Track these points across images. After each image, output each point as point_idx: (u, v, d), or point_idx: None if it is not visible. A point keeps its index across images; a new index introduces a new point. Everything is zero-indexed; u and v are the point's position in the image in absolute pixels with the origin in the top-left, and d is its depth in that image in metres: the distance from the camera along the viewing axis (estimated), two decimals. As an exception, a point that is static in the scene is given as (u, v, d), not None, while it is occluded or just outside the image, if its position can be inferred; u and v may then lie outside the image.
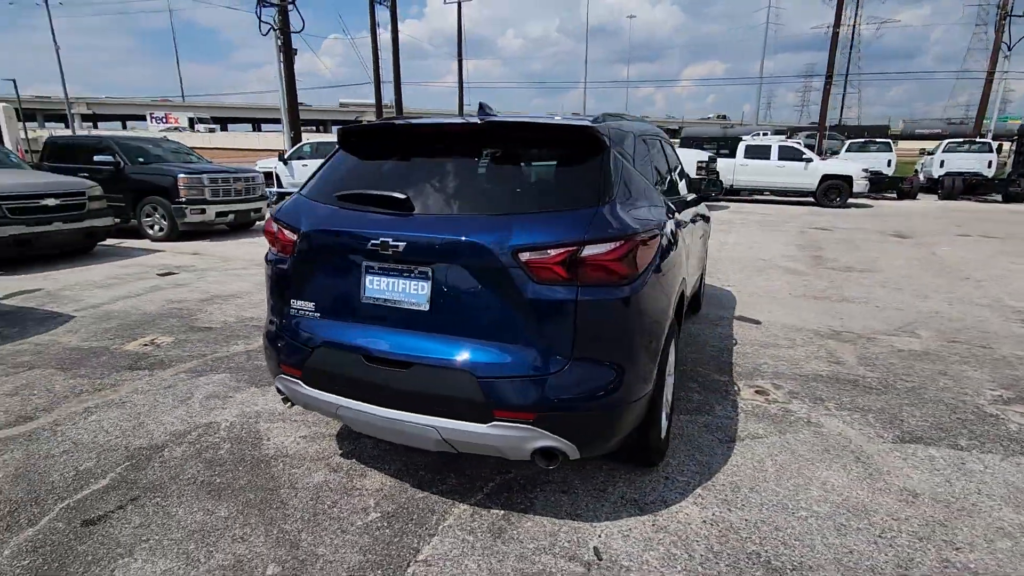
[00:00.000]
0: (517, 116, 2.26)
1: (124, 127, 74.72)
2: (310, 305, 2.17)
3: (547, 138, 2.18)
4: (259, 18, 19.76)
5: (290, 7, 20.56)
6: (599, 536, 2.09)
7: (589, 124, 2.10)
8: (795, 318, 4.89)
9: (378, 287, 2.01)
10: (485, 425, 1.87)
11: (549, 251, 1.81)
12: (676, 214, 2.76)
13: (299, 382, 2.19)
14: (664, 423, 2.51)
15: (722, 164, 16.68)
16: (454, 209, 2.00)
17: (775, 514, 2.21)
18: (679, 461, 2.60)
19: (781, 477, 2.48)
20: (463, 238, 1.86)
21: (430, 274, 1.93)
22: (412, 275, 1.96)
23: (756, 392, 3.37)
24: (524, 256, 1.81)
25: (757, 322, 4.77)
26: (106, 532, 2.09)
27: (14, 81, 34.16)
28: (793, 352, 4.05)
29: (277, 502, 2.27)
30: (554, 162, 2.11)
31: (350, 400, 2.06)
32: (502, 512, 2.22)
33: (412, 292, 1.96)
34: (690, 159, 14.16)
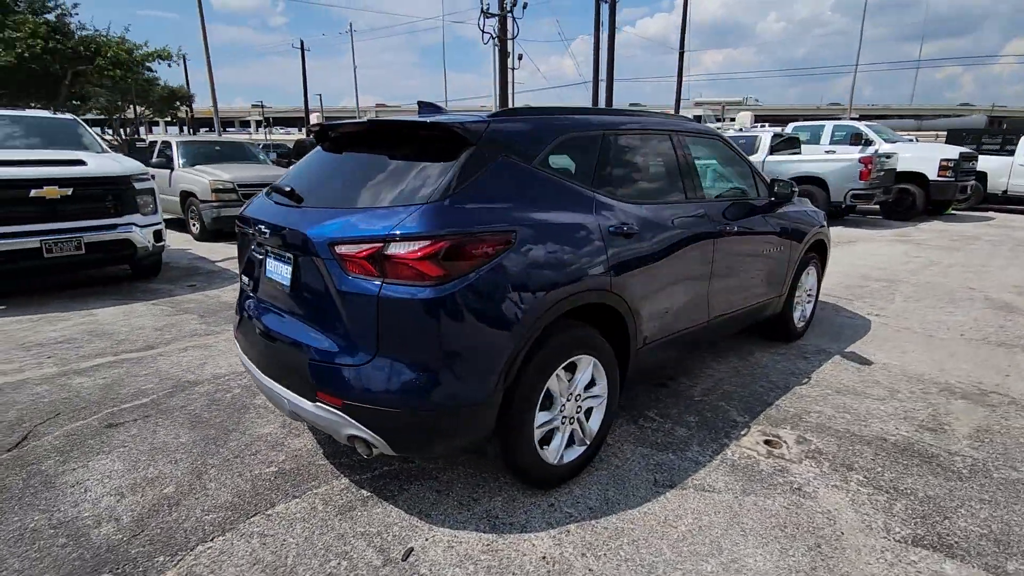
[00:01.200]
0: (413, 116, 2.29)
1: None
2: (245, 279, 2.55)
3: (417, 137, 2.16)
4: (481, 30, 21.81)
5: (509, 15, 22.10)
6: (425, 539, 2.05)
7: (450, 122, 2.04)
8: (932, 365, 3.74)
9: (270, 268, 2.28)
10: (312, 404, 2.01)
11: (358, 246, 1.85)
12: (630, 221, 2.43)
13: (238, 345, 2.60)
14: (560, 443, 2.28)
15: (992, 163, 13.02)
16: (325, 203, 2.15)
17: (631, 576, 1.87)
18: (584, 492, 2.33)
19: (684, 541, 2.05)
20: (299, 229, 2.01)
21: (291, 260, 2.13)
22: (283, 260, 2.18)
23: (765, 441, 2.76)
24: (339, 249, 1.88)
25: (867, 362, 3.79)
26: (110, 435, 2.79)
27: (319, 96, 43.60)
28: (876, 406, 3.14)
29: (222, 441, 2.73)
30: (419, 160, 2.09)
31: (251, 364, 2.38)
32: (368, 494, 2.31)
33: (282, 275, 2.17)
34: (930, 155, 11.39)
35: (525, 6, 25.53)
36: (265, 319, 2.28)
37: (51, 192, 5.04)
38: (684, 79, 26.70)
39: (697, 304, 2.96)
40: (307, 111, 44.27)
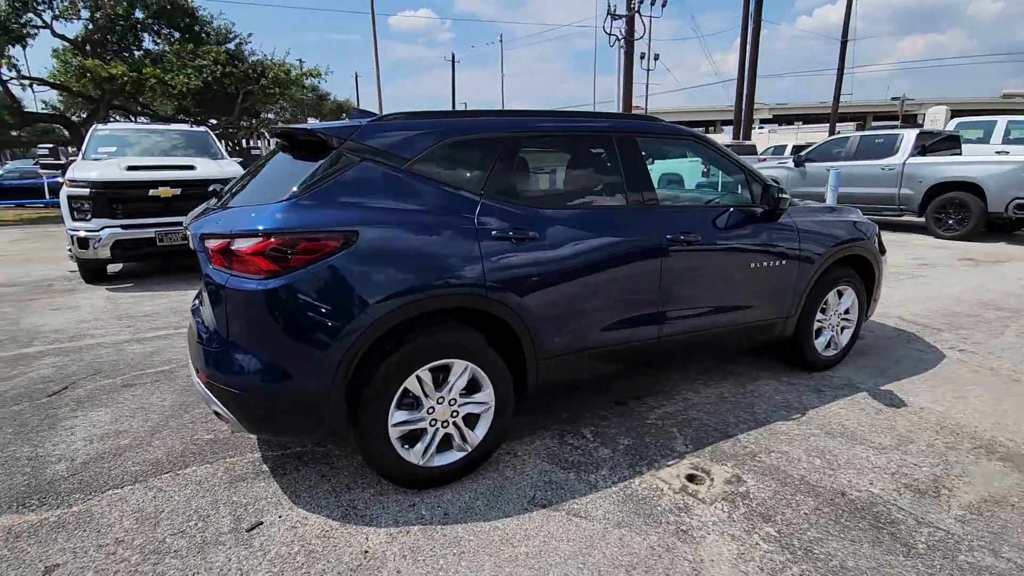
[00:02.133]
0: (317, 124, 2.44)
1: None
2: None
3: (301, 141, 2.31)
4: (607, 32, 21.54)
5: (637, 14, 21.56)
6: (279, 516, 2.19)
7: (318, 127, 2.16)
8: (987, 415, 3.02)
9: (203, 259, 2.60)
10: (198, 380, 2.27)
11: (216, 240, 2.05)
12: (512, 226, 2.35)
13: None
14: (428, 446, 2.28)
15: None
16: (237, 204, 2.39)
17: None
18: (455, 497, 2.30)
19: (512, 563, 1.95)
20: (189, 224, 2.27)
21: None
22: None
23: (688, 476, 2.47)
24: (206, 243, 2.10)
25: (898, 404, 3.17)
26: (120, 394, 3.36)
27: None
28: (867, 455, 2.63)
29: (192, 407, 3.14)
30: (299, 163, 2.24)
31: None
32: (265, 469, 2.52)
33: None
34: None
35: (664, 4, 24.69)
36: (197, 301, 2.61)
37: (165, 192, 6.11)
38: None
39: (640, 318, 2.74)
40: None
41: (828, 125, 30.66)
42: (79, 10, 15.81)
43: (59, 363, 3.88)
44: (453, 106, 46.31)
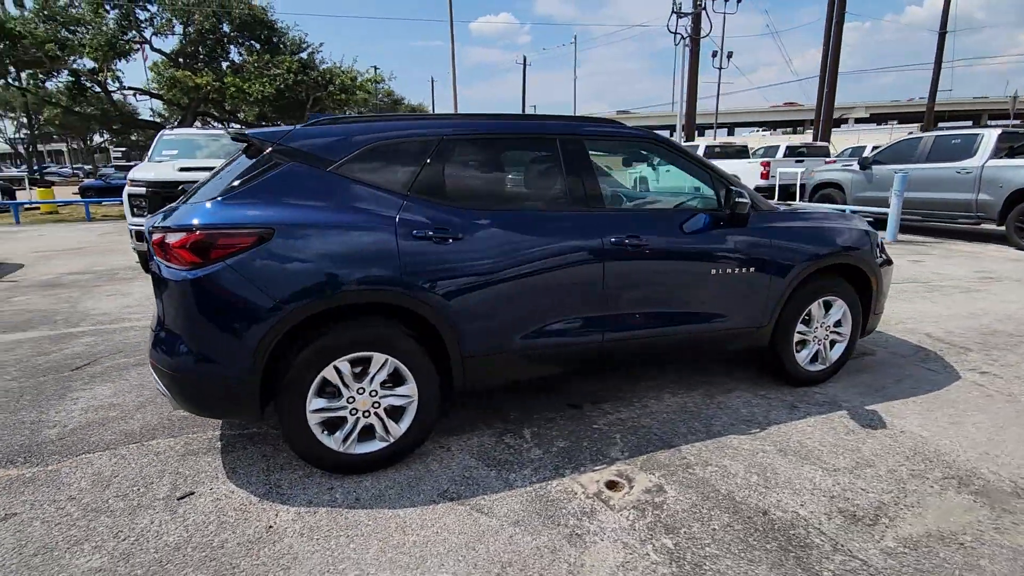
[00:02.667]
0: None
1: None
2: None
3: (248, 145, 2.49)
4: (671, 31, 21.00)
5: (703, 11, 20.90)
6: (210, 489, 2.38)
7: (254, 133, 2.33)
8: (979, 445, 2.75)
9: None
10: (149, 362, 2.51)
11: (158, 234, 2.27)
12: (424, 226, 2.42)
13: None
14: (348, 434, 2.40)
15: None
16: (189, 202, 2.61)
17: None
18: (372, 485, 2.40)
19: (398, 549, 2.02)
20: (151, 220, 2.52)
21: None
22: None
23: (609, 482, 2.44)
24: (151, 236, 2.33)
25: (878, 426, 2.95)
26: (129, 371, 3.74)
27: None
28: (813, 476, 2.49)
29: (181, 387, 3.45)
30: (241, 165, 2.42)
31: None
32: (219, 445, 2.74)
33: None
34: None
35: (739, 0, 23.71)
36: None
37: (210, 191, 6.65)
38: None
39: (580, 322, 2.73)
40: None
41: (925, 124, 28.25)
42: (174, 25, 17.50)
43: (92, 342, 4.36)
44: (523, 109, 46.58)
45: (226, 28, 18.12)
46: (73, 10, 16.42)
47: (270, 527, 2.15)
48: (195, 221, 2.16)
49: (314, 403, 2.33)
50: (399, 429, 2.49)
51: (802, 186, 11.43)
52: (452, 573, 1.91)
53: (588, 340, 2.77)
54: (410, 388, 2.47)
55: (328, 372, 2.32)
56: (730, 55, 32.23)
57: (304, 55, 19.11)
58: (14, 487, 2.41)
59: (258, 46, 18.42)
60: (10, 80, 17.03)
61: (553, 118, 2.87)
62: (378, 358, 2.39)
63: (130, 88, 17.92)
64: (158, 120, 21.31)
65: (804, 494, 2.35)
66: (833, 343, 3.46)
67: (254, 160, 2.32)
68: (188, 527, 2.14)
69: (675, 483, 2.43)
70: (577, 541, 2.06)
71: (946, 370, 3.70)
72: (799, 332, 3.31)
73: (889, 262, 3.60)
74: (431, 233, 2.39)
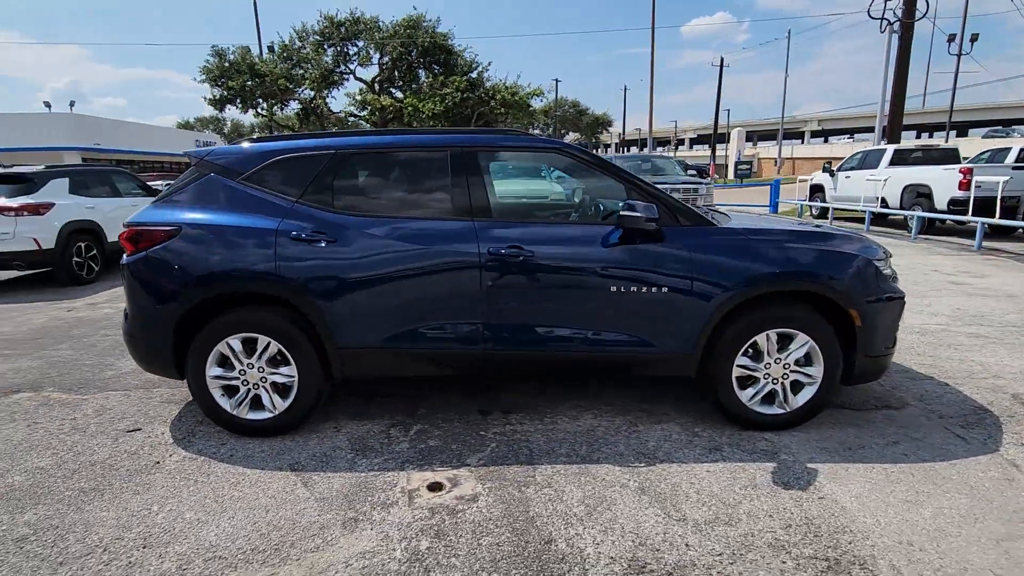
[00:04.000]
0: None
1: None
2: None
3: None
4: (871, 15, 18.07)
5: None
6: (151, 429, 3.05)
7: (191, 151, 2.91)
8: (922, 531, 2.18)
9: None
10: (140, 325, 3.29)
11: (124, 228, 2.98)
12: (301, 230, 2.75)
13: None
14: (240, 402, 2.87)
15: None
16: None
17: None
18: (243, 444, 2.83)
19: (209, 497, 2.41)
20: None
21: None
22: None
23: (434, 483, 2.51)
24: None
25: (799, 488, 2.49)
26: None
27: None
28: (655, 527, 2.24)
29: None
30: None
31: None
32: (187, 397, 3.45)
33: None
34: None
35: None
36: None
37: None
38: None
39: (459, 329, 2.82)
40: (715, 126, 44.74)
41: None
42: (371, 56, 20.63)
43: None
44: (716, 112, 43.90)
45: (413, 54, 20.76)
46: (302, 51, 20.43)
47: (157, 463, 2.71)
48: (131, 219, 2.84)
49: (213, 371, 2.84)
50: (283, 404, 2.88)
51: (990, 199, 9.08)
52: (231, 525, 2.23)
53: (468, 348, 2.83)
54: (292, 370, 2.84)
55: (222, 347, 2.81)
56: (974, 38, 26.32)
57: (474, 74, 20.93)
58: (54, 406, 3.38)
59: (437, 69, 20.74)
60: (259, 110, 21.96)
61: (450, 131, 3.00)
62: (263, 340, 2.81)
63: (339, 112, 21.70)
64: None
65: (614, 535, 2.15)
66: (798, 385, 2.93)
67: (187, 172, 2.92)
68: (113, 452, 2.81)
69: (494, 497, 2.40)
70: (351, 525, 2.22)
71: (984, 441, 2.84)
72: (742, 367, 2.88)
73: (895, 296, 2.91)
74: (305, 236, 2.74)
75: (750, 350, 2.87)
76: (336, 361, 2.85)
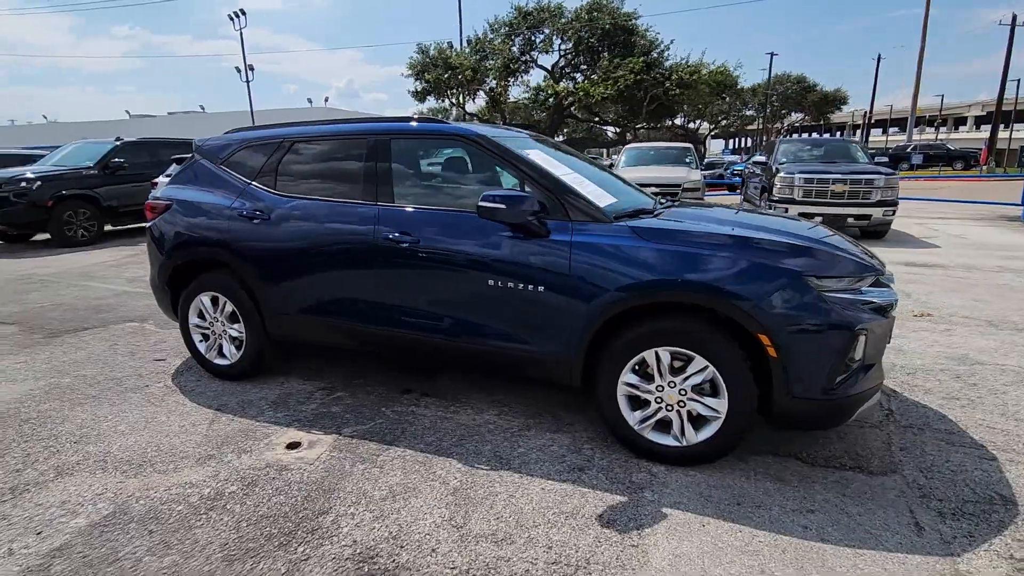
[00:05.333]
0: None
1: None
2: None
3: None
4: None
5: None
6: (173, 361, 3.88)
7: (197, 140, 3.55)
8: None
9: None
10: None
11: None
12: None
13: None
14: (211, 349, 3.49)
15: None
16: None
17: None
18: (211, 384, 3.44)
19: (114, 422, 3.02)
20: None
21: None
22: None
23: (294, 442, 2.77)
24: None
25: (621, 528, 2.19)
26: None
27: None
28: (437, 517, 2.22)
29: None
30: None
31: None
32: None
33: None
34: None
35: None
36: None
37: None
38: None
39: (362, 307, 3.00)
40: (999, 102, 35.63)
41: None
42: (552, 42, 21.02)
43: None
44: (1002, 84, 34.83)
45: (593, 39, 20.57)
46: (494, 42, 21.78)
47: (146, 387, 3.47)
48: (152, 196, 3.61)
49: (194, 320, 3.51)
50: (237, 355, 3.43)
51: None
52: (135, 440, 2.80)
53: (370, 327, 3.01)
54: (241, 327, 3.36)
55: (198, 301, 3.45)
56: None
57: (656, 54, 19.87)
58: (139, 335, 4.48)
59: (616, 51, 20.19)
60: (452, 101, 24.16)
61: (372, 120, 3.14)
62: (222, 299, 3.37)
63: (516, 100, 22.71)
64: (529, 124, 26.49)
65: (381, 523, 2.17)
66: (702, 419, 2.46)
67: (188, 157, 3.60)
68: (131, 373, 3.68)
69: (327, 465, 2.57)
70: (203, 460, 2.62)
71: (949, 540, 2.07)
72: (630, 385, 2.53)
73: (840, 327, 2.24)
74: (245, 213, 3.19)
75: (639, 368, 2.51)
76: (272, 323, 3.27)
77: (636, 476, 2.48)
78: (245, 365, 3.45)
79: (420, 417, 3.04)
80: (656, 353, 2.45)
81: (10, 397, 3.33)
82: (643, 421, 2.55)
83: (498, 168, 2.96)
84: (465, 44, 23.64)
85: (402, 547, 2.04)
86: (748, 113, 49.21)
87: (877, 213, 8.98)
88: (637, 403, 2.57)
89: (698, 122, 45.60)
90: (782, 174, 9.54)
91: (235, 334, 3.44)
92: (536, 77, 21.63)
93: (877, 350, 2.42)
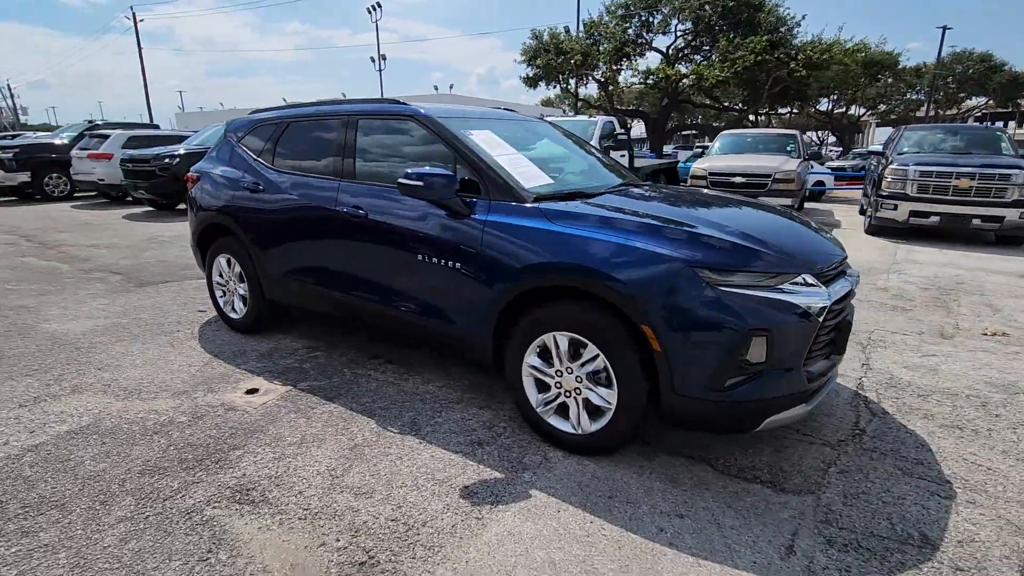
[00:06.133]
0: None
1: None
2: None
3: None
4: None
5: None
6: (213, 319, 4.50)
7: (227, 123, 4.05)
8: None
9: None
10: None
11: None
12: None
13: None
14: (228, 304, 4.02)
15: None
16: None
17: None
18: (222, 334, 3.95)
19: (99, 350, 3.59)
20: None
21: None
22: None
23: (252, 388, 3.13)
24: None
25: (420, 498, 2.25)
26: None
27: None
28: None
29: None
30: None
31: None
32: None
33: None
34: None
35: None
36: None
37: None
38: None
39: (332, 275, 3.27)
40: None
41: None
42: (669, 22, 19.94)
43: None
44: None
45: (714, 17, 19.16)
46: (609, 25, 21.21)
47: (177, 332, 4.08)
48: (193, 169, 4.19)
49: (215, 277, 4.06)
50: (243, 310, 3.91)
51: None
52: (142, 372, 3.34)
53: (336, 294, 3.29)
54: (245, 287, 3.83)
55: (217, 262, 3.98)
56: None
57: (783, 30, 17.97)
58: (201, 289, 5.22)
59: (738, 30, 18.61)
60: (563, 87, 23.94)
61: (352, 102, 3.35)
62: (234, 261, 3.85)
63: (626, 85, 21.87)
64: (640, 110, 25.19)
65: (276, 464, 2.43)
66: (597, 410, 2.40)
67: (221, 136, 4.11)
68: (174, 319, 4.34)
69: (264, 411, 2.90)
70: (177, 395, 3.07)
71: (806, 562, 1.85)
72: (534, 367, 2.53)
73: (736, 329, 2.06)
74: (246, 184, 3.61)
75: (540, 350, 2.50)
76: (269, 285, 3.68)
77: (528, 458, 2.48)
78: (248, 321, 3.92)
79: (371, 380, 3.26)
80: (554, 337, 2.42)
81: (80, 330, 4.11)
82: (545, 404, 2.54)
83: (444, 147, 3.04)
84: (581, 28, 23.32)
85: (277, 485, 2.28)
86: (914, 98, 42.76)
87: (1012, 215, 7.53)
88: (543, 387, 2.56)
89: (851, 107, 40.69)
90: (894, 165, 8.35)
91: (243, 292, 3.92)
92: (652, 61, 20.80)
93: (792, 355, 2.17)
